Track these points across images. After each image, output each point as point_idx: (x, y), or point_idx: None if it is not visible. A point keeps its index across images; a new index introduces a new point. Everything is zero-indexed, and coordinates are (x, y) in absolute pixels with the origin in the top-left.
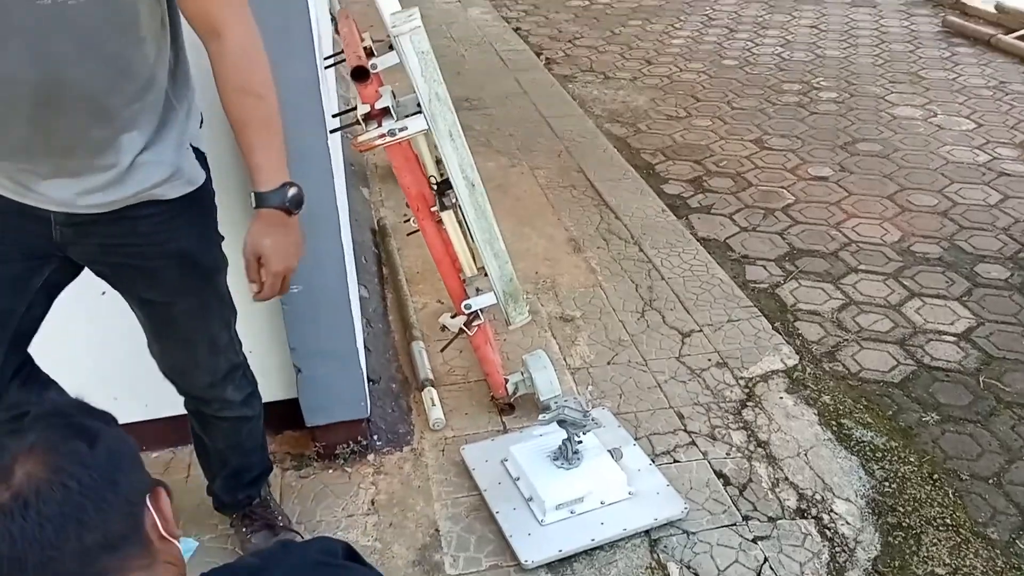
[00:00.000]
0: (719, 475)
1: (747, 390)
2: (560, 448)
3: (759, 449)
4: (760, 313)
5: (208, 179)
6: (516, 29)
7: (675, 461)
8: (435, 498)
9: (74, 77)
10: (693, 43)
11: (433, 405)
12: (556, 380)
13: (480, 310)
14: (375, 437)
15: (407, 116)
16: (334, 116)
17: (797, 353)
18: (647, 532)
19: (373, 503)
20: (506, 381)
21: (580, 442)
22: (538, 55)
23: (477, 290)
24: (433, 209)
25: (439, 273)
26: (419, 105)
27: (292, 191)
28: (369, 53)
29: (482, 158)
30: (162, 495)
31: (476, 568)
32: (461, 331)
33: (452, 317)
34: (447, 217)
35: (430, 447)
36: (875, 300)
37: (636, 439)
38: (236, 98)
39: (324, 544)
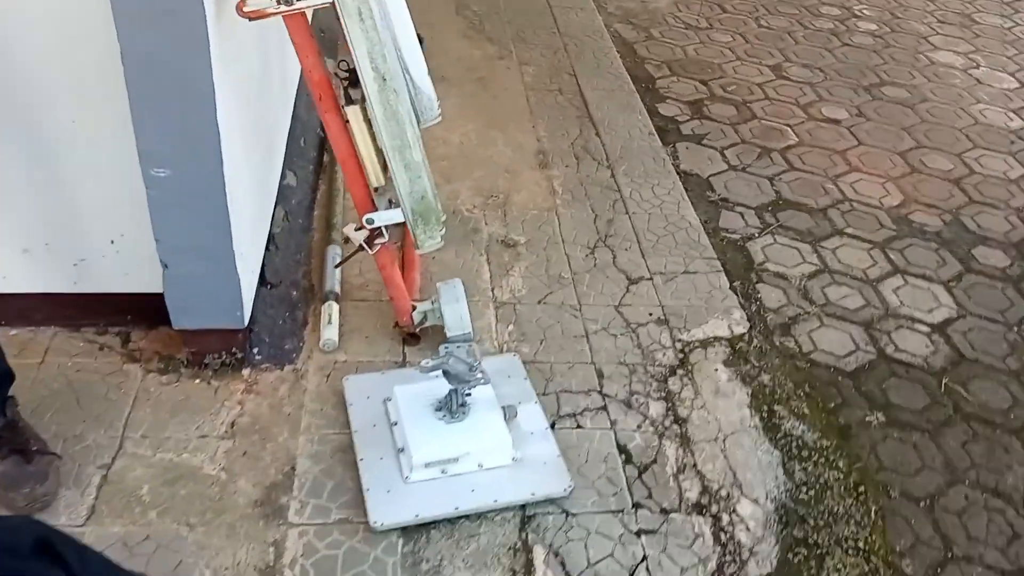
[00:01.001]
0: (622, 450)
1: (681, 355)
2: (446, 398)
3: (675, 426)
4: (721, 268)
5: None
6: None
7: (578, 426)
8: (302, 430)
9: None
10: None
11: (329, 323)
12: (468, 316)
13: (385, 227)
14: (255, 350)
15: None
16: None
17: (749, 320)
18: (522, 506)
19: (233, 425)
20: (414, 308)
21: (468, 394)
22: None
23: (390, 202)
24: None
25: (344, 176)
26: None
27: None
28: None
29: (470, 43)
30: None
31: (323, 520)
32: (361, 247)
33: (356, 230)
34: (352, 114)
35: (315, 370)
36: (852, 271)
37: (544, 394)
38: None
39: (8, 537)
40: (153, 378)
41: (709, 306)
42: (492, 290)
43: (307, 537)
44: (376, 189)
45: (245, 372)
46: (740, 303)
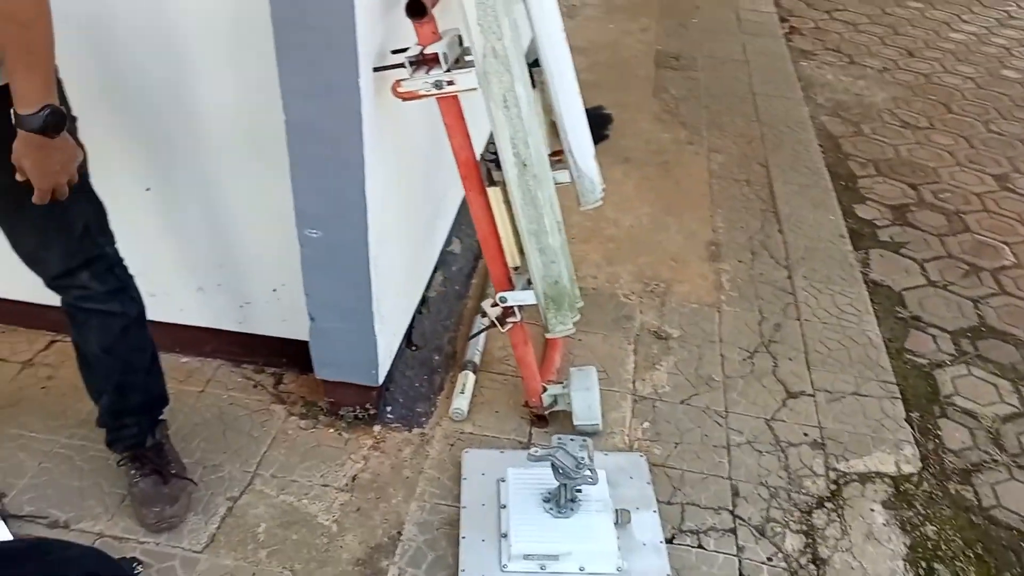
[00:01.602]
0: None
1: (834, 486)
2: (557, 490)
3: (811, 566)
4: (899, 395)
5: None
6: None
7: (700, 546)
8: (416, 496)
9: None
10: (975, 42)
11: (461, 393)
12: (597, 406)
13: (518, 307)
14: (388, 408)
15: (458, 69)
16: (393, 52)
17: (922, 459)
18: None
19: (354, 479)
20: (544, 390)
21: (579, 490)
22: (783, 21)
23: (529, 282)
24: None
25: (483, 253)
26: None
27: (48, 115)
28: None
29: (661, 126)
30: None
31: None
32: (493, 324)
33: (492, 306)
34: (493, 195)
35: (441, 437)
36: None
37: (668, 503)
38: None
39: (58, 569)
40: (293, 421)
41: (877, 436)
42: (633, 382)
43: None
44: (515, 269)
45: (376, 428)
46: (915, 438)
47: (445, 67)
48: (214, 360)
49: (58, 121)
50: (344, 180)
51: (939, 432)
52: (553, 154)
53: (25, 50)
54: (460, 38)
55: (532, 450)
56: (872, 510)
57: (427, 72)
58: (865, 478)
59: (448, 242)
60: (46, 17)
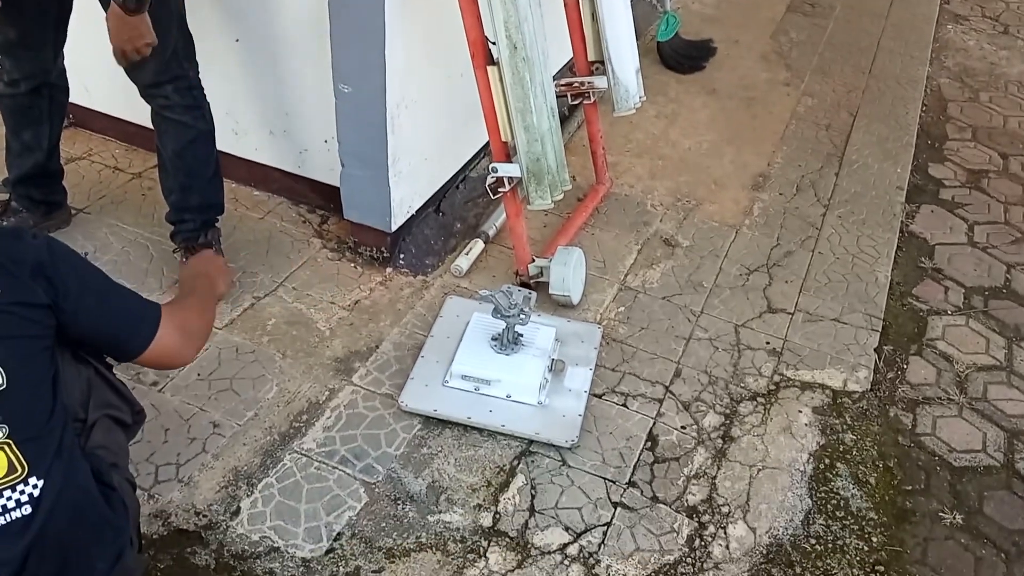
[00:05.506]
0: (650, 438)
1: (773, 387)
2: (503, 331)
3: (719, 441)
4: (880, 329)
5: None
6: None
7: (624, 405)
8: (401, 324)
9: None
10: None
11: (466, 254)
12: (571, 281)
13: (507, 178)
14: (401, 255)
15: None
16: None
17: (872, 384)
18: (529, 441)
19: (356, 303)
20: (533, 260)
21: (521, 335)
22: None
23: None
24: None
25: (486, 126)
26: None
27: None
28: None
29: (764, 65)
30: None
31: (374, 388)
32: (486, 192)
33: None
34: (491, 72)
35: (439, 286)
36: None
37: (611, 370)
38: None
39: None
40: (324, 252)
41: (837, 356)
42: (626, 275)
43: (356, 395)
44: (505, 143)
45: (387, 270)
46: (876, 365)
47: None
48: (278, 196)
49: (137, 5)
50: (368, 44)
51: (905, 366)
52: (593, 62)
53: None
54: None
55: (483, 291)
56: (800, 411)
57: None
58: (807, 386)
59: None
60: None
